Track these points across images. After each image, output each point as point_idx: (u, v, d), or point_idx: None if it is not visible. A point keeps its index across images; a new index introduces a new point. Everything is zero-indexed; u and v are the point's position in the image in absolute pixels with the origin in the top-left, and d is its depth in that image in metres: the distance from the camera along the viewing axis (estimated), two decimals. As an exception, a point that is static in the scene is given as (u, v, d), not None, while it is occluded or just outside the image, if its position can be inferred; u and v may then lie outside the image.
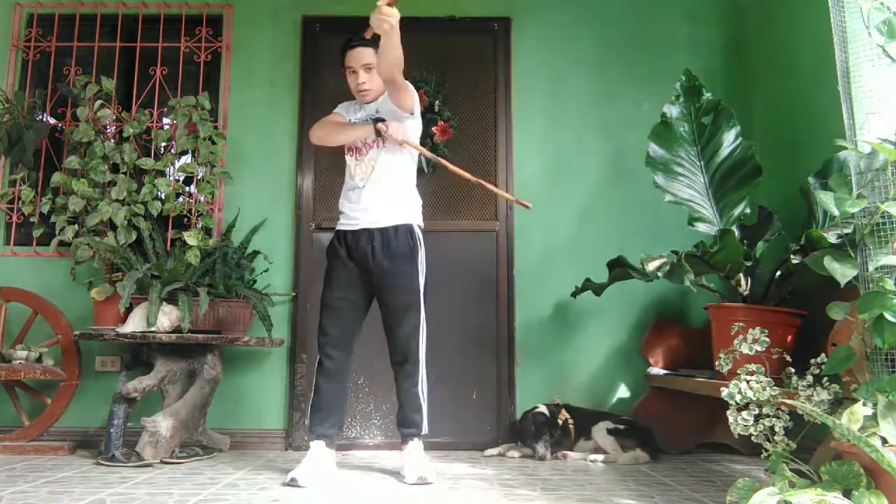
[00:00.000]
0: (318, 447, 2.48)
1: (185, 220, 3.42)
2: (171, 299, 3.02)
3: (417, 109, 2.60)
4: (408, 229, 2.56)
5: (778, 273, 2.66)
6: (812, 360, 1.86)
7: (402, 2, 3.69)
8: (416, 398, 2.53)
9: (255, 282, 3.35)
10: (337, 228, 2.63)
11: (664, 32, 3.61)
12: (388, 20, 2.19)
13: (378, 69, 2.46)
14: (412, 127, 2.60)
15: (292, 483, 2.30)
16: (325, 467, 2.45)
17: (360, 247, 2.53)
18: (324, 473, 2.42)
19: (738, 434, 1.90)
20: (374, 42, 2.45)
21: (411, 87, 2.54)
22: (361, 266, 2.54)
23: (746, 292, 2.72)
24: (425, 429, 2.56)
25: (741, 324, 2.14)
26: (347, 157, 2.65)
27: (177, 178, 3.48)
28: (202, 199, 3.44)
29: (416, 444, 2.54)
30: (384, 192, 2.57)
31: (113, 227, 3.29)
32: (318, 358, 2.56)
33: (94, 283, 3.14)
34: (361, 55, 2.55)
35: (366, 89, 2.58)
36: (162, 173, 3.43)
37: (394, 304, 2.54)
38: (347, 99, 2.74)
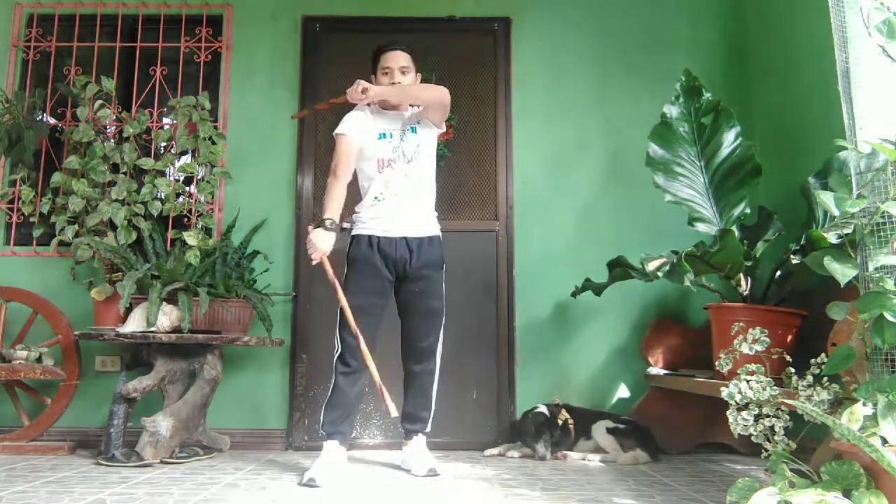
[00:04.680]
0: (331, 446, 2.52)
1: (185, 220, 3.42)
2: (171, 299, 3.02)
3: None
4: (439, 240, 2.71)
5: (778, 273, 2.66)
6: (812, 360, 1.86)
7: (402, 2, 3.71)
8: (429, 398, 2.70)
9: (255, 282, 3.35)
10: (368, 234, 2.61)
11: (664, 32, 3.61)
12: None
13: (432, 109, 2.64)
14: (436, 136, 2.76)
15: (310, 483, 2.31)
16: (339, 467, 2.49)
17: (398, 253, 2.59)
18: (338, 473, 2.46)
19: (738, 434, 1.90)
20: (410, 50, 2.71)
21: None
22: (395, 272, 2.62)
23: (746, 292, 2.72)
24: (429, 426, 2.73)
25: (741, 324, 2.14)
26: (381, 174, 2.62)
27: (177, 178, 3.48)
28: (202, 199, 3.44)
29: (421, 439, 2.69)
30: (422, 201, 2.67)
31: (113, 227, 3.29)
32: (341, 356, 2.56)
33: (94, 283, 3.14)
34: (400, 58, 2.67)
35: None
36: (162, 173, 3.44)
37: (427, 309, 2.66)
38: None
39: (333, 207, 2.50)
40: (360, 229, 2.63)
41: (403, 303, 2.67)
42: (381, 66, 2.67)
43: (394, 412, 2.41)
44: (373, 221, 2.62)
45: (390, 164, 2.61)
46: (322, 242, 2.45)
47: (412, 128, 2.66)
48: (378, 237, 2.60)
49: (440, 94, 2.63)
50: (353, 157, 2.61)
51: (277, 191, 3.48)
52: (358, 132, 2.61)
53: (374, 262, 2.58)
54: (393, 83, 2.63)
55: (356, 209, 2.69)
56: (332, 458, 2.48)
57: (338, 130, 2.60)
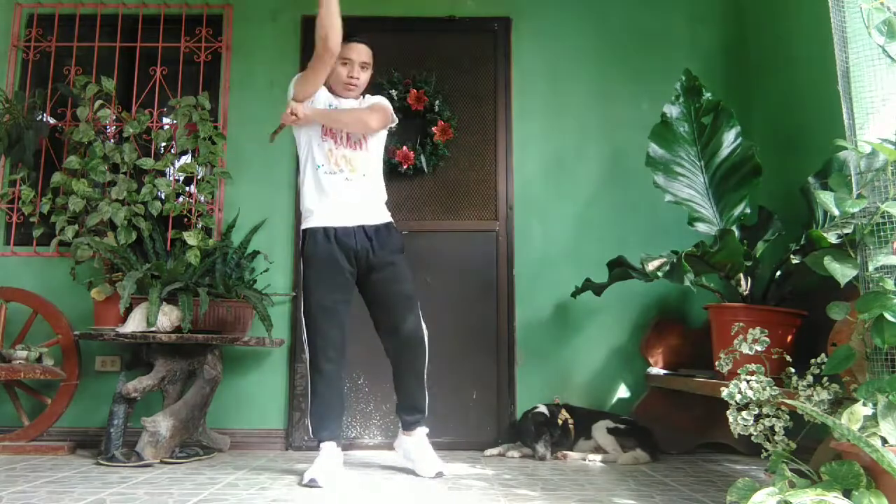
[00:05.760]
0: (330, 447, 2.49)
1: (185, 220, 3.42)
2: (171, 299, 3.02)
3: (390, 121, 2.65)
4: (394, 226, 2.63)
5: (778, 273, 2.66)
6: (812, 360, 1.86)
7: (402, 2, 3.71)
8: (423, 384, 2.61)
9: (255, 282, 3.35)
10: (323, 226, 2.51)
11: (664, 32, 3.61)
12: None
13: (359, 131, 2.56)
14: (381, 136, 2.68)
15: (311, 484, 2.30)
16: (339, 467, 2.48)
17: (358, 243, 2.51)
18: (338, 473, 2.45)
19: (738, 434, 1.90)
20: (370, 47, 2.61)
21: (386, 106, 2.61)
22: (358, 263, 2.53)
23: (746, 292, 2.72)
24: (427, 413, 2.66)
25: (741, 324, 2.14)
26: (325, 142, 2.54)
27: (177, 178, 3.48)
28: (202, 199, 3.44)
29: (423, 432, 2.61)
30: (373, 188, 2.60)
31: (113, 227, 3.29)
32: (313, 363, 2.50)
33: (94, 283, 3.14)
34: (363, 51, 2.59)
35: (355, 84, 2.59)
36: (162, 173, 3.44)
37: (400, 294, 2.55)
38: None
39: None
40: (313, 221, 2.53)
41: (374, 293, 2.57)
42: (342, 55, 2.52)
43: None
44: (325, 211, 2.51)
45: (335, 139, 2.54)
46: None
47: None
48: (335, 228, 2.50)
49: (368, 125, 2.52)
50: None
51: (277, 191, 3.48)
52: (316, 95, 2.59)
53: (334, 256, 2.48)
54: (351, 77, 2.55)
55: (303, 200, 2.57)
56: (330, 459, 2.46)
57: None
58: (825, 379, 1.82)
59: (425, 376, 2.62)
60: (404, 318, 2.55)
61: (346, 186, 2.53)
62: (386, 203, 2.66)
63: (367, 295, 2.60)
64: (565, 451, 2.95)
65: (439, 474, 2.48)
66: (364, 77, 2.61)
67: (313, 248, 2.51)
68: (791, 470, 1.66)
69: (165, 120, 3.55)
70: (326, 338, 2.49)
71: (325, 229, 2.51)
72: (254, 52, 3.59)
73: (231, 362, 3.31)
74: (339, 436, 2.54)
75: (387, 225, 2.59)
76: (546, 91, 3.58)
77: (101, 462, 2.69)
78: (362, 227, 2.53)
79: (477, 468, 2.72)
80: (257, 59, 3.59)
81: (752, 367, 1.95)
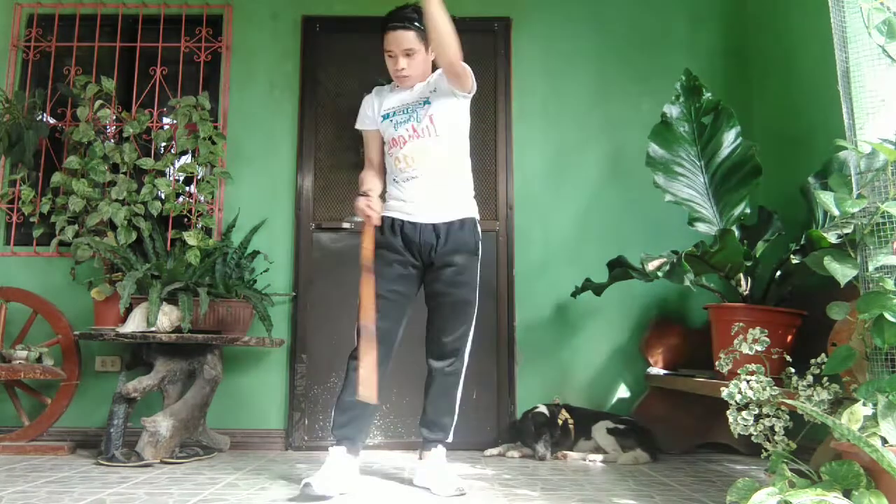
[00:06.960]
0: (338, 452, 2.26)
1: (185, 220, 3.42)
2: (171, 299, 3.02)
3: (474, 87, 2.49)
4: (473, 223, 2.44)
5: (778, 273, 2.66)
6: (812, 360, 1.86)
7: (402, 2, 3.70)
8: (454, 400, 2.42)
9: (255, 282, 3.35)
10: (392, 216, 2.39)
11: (664, 32, 3.61)
12: None
13: (439, 61, 2.34)
14: (465, 105, 2.53)
15: (305, 489, 2.09)
16: (345, 474, 2.23)
17: (423, 239, 2.35)
18: (343, 481, 2.20)
19: (738, 434, 1.90)
20: (415, 26, 2.38)
21: (468, 67, 2.46)
22: (420, 257, 2.38)
23: (746, 292, 2.72)
24: (451, 436, 2.44)
25: (741, 324, 2.14)
26: (389, 148, 2.46)
27: (177, 178, 3.48)
28: (202, 199, 3.44)
29: (440, 452, 2.39)
30: (445, 181, 2.42)
31: (113, 227, 3.29)
32: (353, 351, 2.31)
33: (94, 283, 3.14)
34: (402, 40, 2.38)
35: (405, 75, 2.42)
36: (162, 173, 3.43)
37: (456, 299, 2.38)
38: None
39: (366, 183, 2.44)
40: (386, 211, 2.42)
41: (429, 292, 2.41)
42: (385, 48, 2.41)
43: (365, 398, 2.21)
44: (396, 203, 2.41)
45: (400, 143, 2.40)
46: (360, 202, 2.37)
47: (425, 100, 2.43)
48: (402, 221, 2.38)
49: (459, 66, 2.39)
50: (378, 142, 2.51)
51: (277, 191, 3.48)
52: (370, 122, 2.50)
53: (394, 246, 2.36)
54: (397, 69, 2.40)
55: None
56: (335, 467, 2.21)
57: (356, 126, 2.55)
58: (825, 379, 1.82)
59: (458, 395, 2.42)
60: (450, 325, 2.39)
61: (417, 183, 2.43)
62: (471, 195, 2.53)
63: (425, 293, 2.44)
64: (565, 451, 2.95)
65: (459, 490, 2.18)
66: (414, 63, 2.41)
67: (380, 235, 2.42)
68: (791, 470, 1.66)
69: (165, 120, 3.55)
70: (375, 327, 2.28)
71: (393, 220, 2.41)
72: (254, 52, 3.59)
73: (231, 362, 3.31)
74: (353, 439, 2.30)
75: (462, 221, 2.40)
76: (546, 91, 3.58)
77: (101, 462, 2.70)
78: (431, 224, 2.37)
79: (477, 468, 2.72)
80: (257, 59, 3.59)
81: (752, 367, 1.95)
